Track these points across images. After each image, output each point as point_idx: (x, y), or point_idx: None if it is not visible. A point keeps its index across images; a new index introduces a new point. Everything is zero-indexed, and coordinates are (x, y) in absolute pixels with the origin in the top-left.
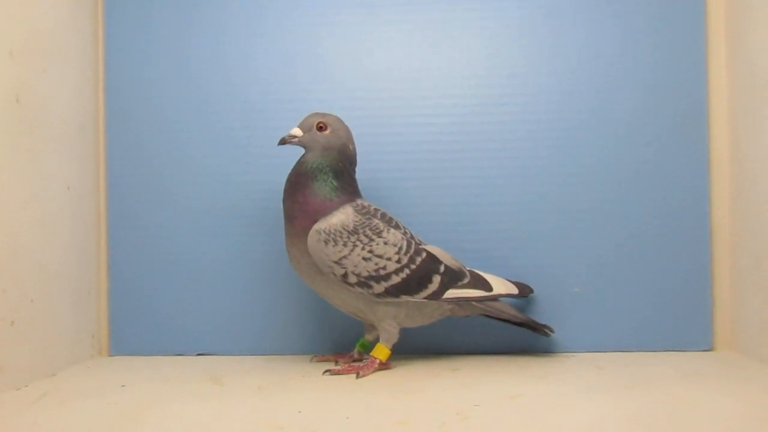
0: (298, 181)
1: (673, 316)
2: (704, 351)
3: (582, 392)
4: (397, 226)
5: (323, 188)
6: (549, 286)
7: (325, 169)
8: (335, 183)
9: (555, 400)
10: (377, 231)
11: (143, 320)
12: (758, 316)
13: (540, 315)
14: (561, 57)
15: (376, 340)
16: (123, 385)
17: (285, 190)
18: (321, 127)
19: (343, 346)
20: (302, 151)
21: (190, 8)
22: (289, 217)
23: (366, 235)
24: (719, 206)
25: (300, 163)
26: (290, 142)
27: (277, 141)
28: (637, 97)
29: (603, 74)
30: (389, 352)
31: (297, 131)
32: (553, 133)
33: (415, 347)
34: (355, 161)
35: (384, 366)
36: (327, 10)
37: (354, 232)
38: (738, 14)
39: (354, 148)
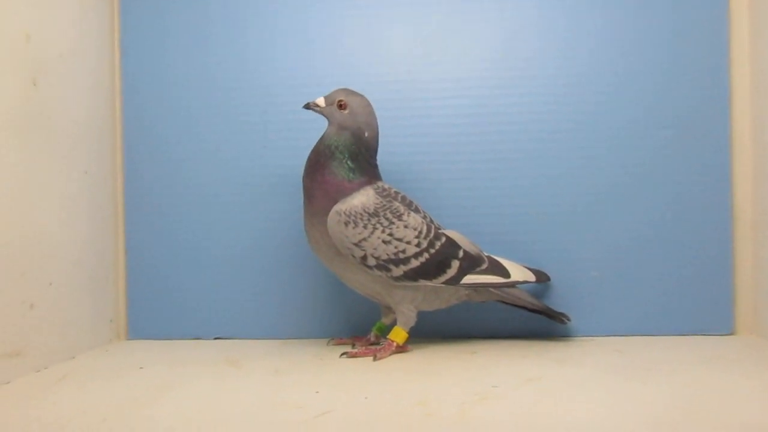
0: (317, 160)
1: (694, 300)
2: (725, 335)
3: (601, 375)
4: (417, 210)
5: (340, 168)
6: (567, 270)
7: (341, 148)
8: (351, 164)
9: (573, 382)
10: (398, 214)
11: (161, 304)
12: None
13: (558, 299)
14: (579, 39)
15: (393, 324)
16: (141, 368)
17: (305, 168)
18: (341, 105)
19: (360, 330)
20: (319, 136)
21: None
22: (309, 196)
23: (386, 218)
24: (741, 189)
25: (320, 140)
26: (312, 109)
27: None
28: (657, 79)
29: (622, 56)
30: (406, 335)
31: (321, 101)
32: (571, 116)
33: (432, 331)
34: (373, 147)
35: (401, 349)
36: None
37: (375, 214)
38: None
39: (371, 134)
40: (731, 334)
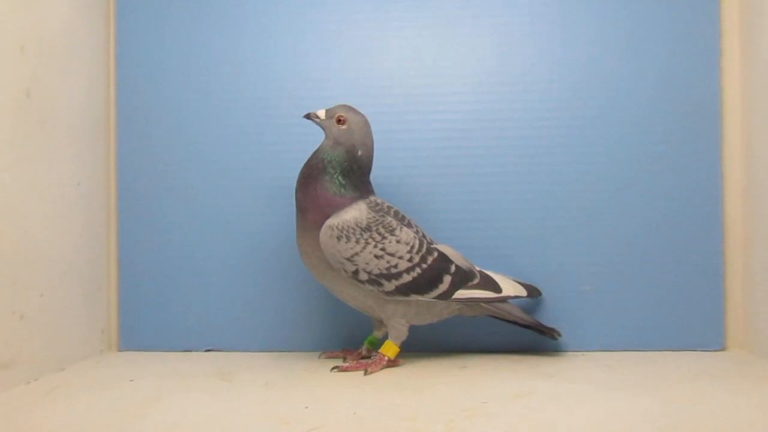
0: (310, 173)
1: (685, 315)
2: (716, 351)
3: (591, 391)
4: (409, 225)
5: (332, 184)
6: (559, 284)
7: (333, 163)
8: (342, 180)
9: (563, 398)
10: (390, 229)
11: (153, 316)
12: None
13: (550, 313)
14: (572, 53)
15: (385, 337)
16: (132, 380)
17: (298, 181)
18: (340, 120)
19: (352, 343)
20: (314, 148)
21: (202, 4)
22: (301, 209)
23: (379, 233)
24: (732, 204)
25: (314, 153)
26: (312, 119)
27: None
28: (649, 93)
29: (614, 70)
30: (398, 349)
31: (322, 113)
32: (563, 130)
33: (423, 345)
34: (366, 166)
35: (392, 363)
36: (338, 7)
37: (367, 229)
38: (752, 8)
39: (365, 154)
40: (722, 349)
